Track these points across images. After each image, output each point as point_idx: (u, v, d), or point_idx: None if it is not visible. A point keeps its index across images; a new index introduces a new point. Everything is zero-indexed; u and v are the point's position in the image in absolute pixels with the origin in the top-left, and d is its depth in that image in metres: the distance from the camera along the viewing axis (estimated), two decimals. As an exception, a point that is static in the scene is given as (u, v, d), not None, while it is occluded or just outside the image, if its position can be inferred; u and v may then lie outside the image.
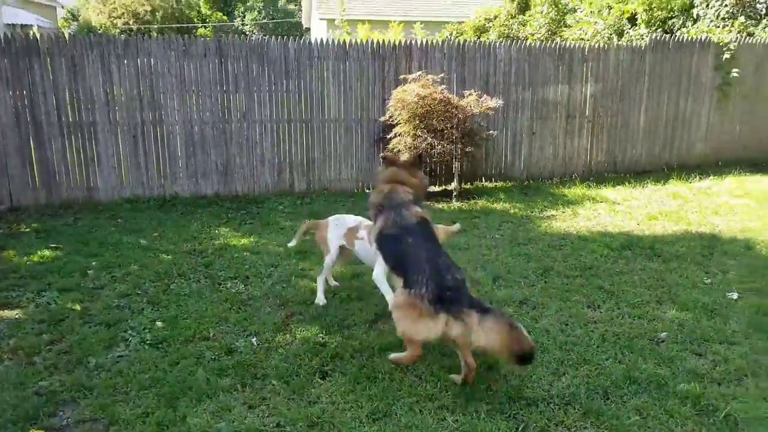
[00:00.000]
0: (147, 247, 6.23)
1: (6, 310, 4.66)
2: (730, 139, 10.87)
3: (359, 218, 4.80)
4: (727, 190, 8.77)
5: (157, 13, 37.67)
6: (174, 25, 37.01)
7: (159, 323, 4.41)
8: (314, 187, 9.02)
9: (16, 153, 7.83)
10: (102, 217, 7.44)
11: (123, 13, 36.87)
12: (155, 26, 36.29)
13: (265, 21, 45.21)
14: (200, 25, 38.47)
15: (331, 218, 4.91)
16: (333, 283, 5.17)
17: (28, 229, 6.90)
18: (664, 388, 3.56)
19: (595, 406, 3.38)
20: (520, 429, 3.20)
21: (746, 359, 3.91)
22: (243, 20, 45.79)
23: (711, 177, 9.63)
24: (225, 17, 42.83)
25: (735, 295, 4.95)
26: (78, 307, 4.69)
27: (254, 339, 4.19)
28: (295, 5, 45.95)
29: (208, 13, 40.72)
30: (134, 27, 35.49)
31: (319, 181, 9.05)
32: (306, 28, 30.24)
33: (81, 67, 7.87)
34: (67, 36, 8.24)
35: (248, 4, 45.70)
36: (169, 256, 5.95)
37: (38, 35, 8.21)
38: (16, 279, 5.29)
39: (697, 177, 9.61)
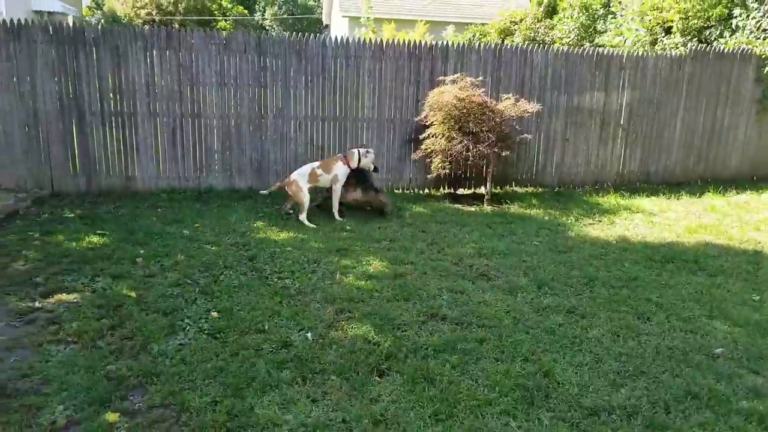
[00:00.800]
0: (190, 237, 6.29)
1: (64, 294, 4.72)
2: (767, 154, 10.78)
3: (310, 164, 7.48)
4: (765, 205, 8.71)
5: (180, 5, 37.83)
6: (195, 18, 37.17)
7: (214, 314, 4.46)
8: (346, 185, 9.03)
9: (59, 141, 7.92)
10: (142, 207, 7.51)
11: (146, 4, 37.06)
12: (178, 18, 36.46)
13: (285, 16, 45.35)
14: (221, 18, 38.60)
15: (294, 174, 7.33)
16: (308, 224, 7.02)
17: (72, 215, 6.98)
18: (725, 405, 3.55)
19: (658, 420, 3.37)
20: (585, 437, 3.20)
21: (804, 380, 3.89)
22: (263, 15, 45.94)
23: (748, 191, 9.56)
24: (245, 11, 42.95)
25: (786, 313, 4.92)
26: (133, 294, 4.74)
27: (309, 334, 4.21)
28: (315, 1, 46.02)
29: (230, 6, 40.82)
30: (157, 18, 35.67)
31: (352, 179, 9.06)
32: (326, 25, 30.31)
33: (125, 57, 7.95)
34: (110, 27, 8.31)
35: (269, -2, 45.90)
36: (214, 248, 6.00)
37: (85, 25, 8.27)
38: (68, 264, 5.36)
39: (734, 191, 9.55)
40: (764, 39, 11.44)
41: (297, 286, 5.11)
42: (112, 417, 3.20)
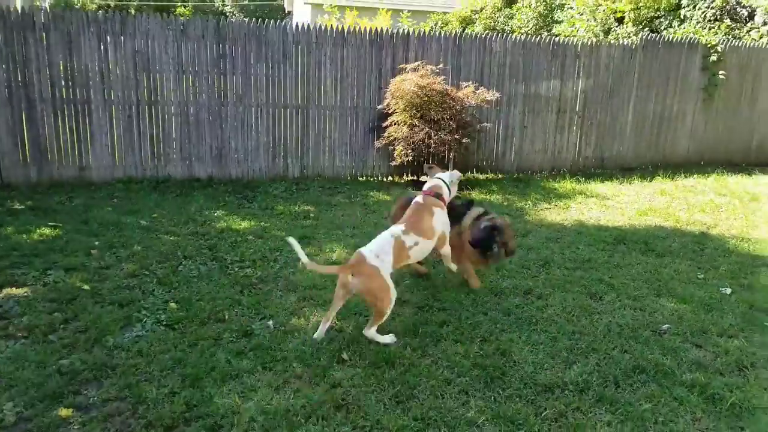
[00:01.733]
0: (148, 227, 6.21)
1: (13, 288, 4.62)
2: (713, 138, 11.20)
3: (388, 232, 4.23)
4: (711, 188, 9.06)
5: (136, -11, 36.74)
6: (153, 3, 36.20)
7: (172, 304, 4.43)
8: (308, 172, 9.03)
9: (7, 130, 7.68)
10: (96, 197, 7.37)
11: (101, -11, 35.88)
12: (134, 3, 35.46)
13: (246, 2, 44.50)
14: (180, 3, 37.68)
15: (367, 254, 4.00)
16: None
17: (22, 207, 6.81)
18: (670, 377, 3.72)
19: (608, 394, 3.52)
20: (539, 414, 3.32)
21: (744, 352, 4.10)
22: (224, 1, 44.96)
23: (695, 175, 9.92)
24: (205, -4, 42.05)
25: (728, 291, 5.15)
26: (87, 287, 4.67)
27: (270, 322, 4.23)
28: (277, -13, 45.29)
29: (188, -9, 39.86)
30: (112, 3, 34.61)
31: (314, 167, 9.06)
32: (288, 11, 29.91)
33: (77, 44, 7.74)
34: (61, 12, 8.07)
35: (239, -16, 44.91)
36: (172, 238, 5.94)
37: (34, 9, 8.02)
38: (19, 257, 5.24)
39: (682, 175, 9.90)
40: (710, 29, 11.83)
41: (259, 274, 5.11)
42: (64, 412, 3.16)
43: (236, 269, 5.22)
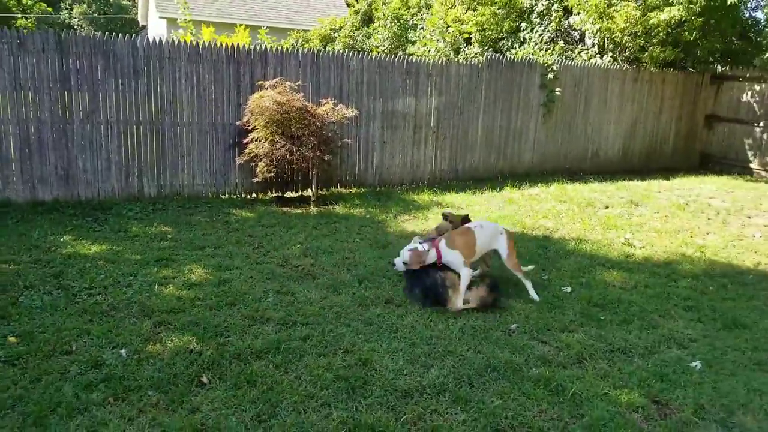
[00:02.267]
0: (-19, 258, 5.65)
1: None
2: (553, 150, 12.30)
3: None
4: (553, 196, 9.95)
5: (-32, 0, 33.11)
6: (-10, 14, 32.82)
7: (11, 338, 4.09)
8: (166, 192, 8.68)
9: None
10: None
11: None
12: (-33, 14, 31.93)
13: (95, 15, 41.80)
14: (20, 15, 34.49)
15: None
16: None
17: None
18: (519, 373, 4.06)
19: (462, 394, 3.76)
20: (399, 419, 3.47)
21: (583, 345, 4.56)
22: (71, 13, 41.92)
23: (539, 184, 10.84)
24: (50, 9, 38.86)
25: (569, 289, 5.71)
26: None
27: (123, 351, 4.04)
28: (129, 1, 43.04)
29: (30, 3, 36.59)
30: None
31: (172, 186, 8.73)
32: (142, 25, 28.54)
33: None
34: None
35: (76, -5, 41.99)
36: (12, 267, 5.45)
37: None
38: None
39: (528, 184, 10.77)
40: (546, 50, 13.04)
41: (110, 301, 4.85)
42: None
43: (85, 297, 4.91)
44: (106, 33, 8.11)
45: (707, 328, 5.06)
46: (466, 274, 5.14)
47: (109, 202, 8.12)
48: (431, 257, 5.18)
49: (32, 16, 35.56)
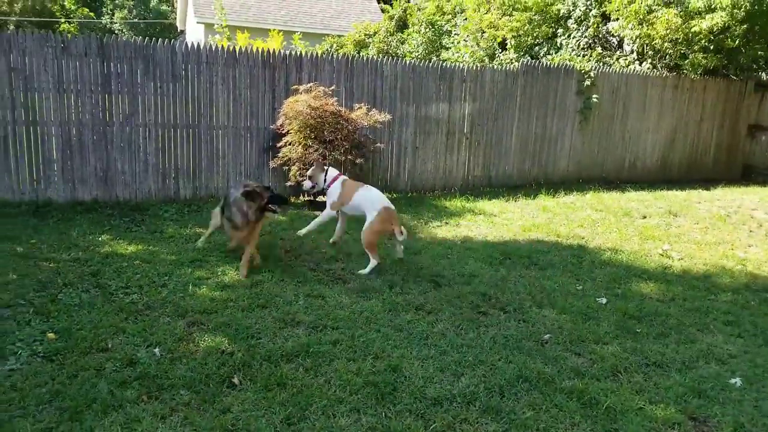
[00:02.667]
0: (25, 255, 5.81)
1: None
2: (589, 157, 12.11)
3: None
4: (588, 204, 9.79)
5: (15, 5, 34.39)
6: (34, 19, 34.01)
7: (51, 335, 4.18)
8: (201, 194, 8.82)
9: None
10: (-36, 224, 6.80)
11: (-25, 3, 33.33)
12: (13, 18, 33.12)
13: (135, 20, 42.84)
14: (63, 20, 35.60)
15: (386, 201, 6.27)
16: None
17: None
18: (551, 385, 3.98)
19: (493, 404, 3.70)
20: (429, 428, 3.44)
21: (618, 357, 4.46)
22: (112, 18, 43.04)
23: (574, 193, 10.68)
24: (92, 14, 40.01)
25: (604, 300, 5.59)
26: (-49, 321, 4.31)
27: (156, 349, 4.10)
28: (168, 6, 43.99)
29: (73, 8, 37.74)
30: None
31: (206, 188, 8.86)
32: (180, 30, 29.12)
33: (-60, 58, 7.15)
34: None
35: (117, 1, 43.03)
36: (52, 265, 5.59)
37: None
38: None
39: (563, 192, 10.61)
40: (583, 56, 12.86)
41: (145, 301, 4.93)
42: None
43: (121, 296, 5.00)
44: (146, 38, 8.29)
45: (748, 344, 4.89)
46: (325, 214, 6.25)
47: (146, 203, 8.28)
48: (323, 182, 6.29)
49: (75, 20, 36.67)
